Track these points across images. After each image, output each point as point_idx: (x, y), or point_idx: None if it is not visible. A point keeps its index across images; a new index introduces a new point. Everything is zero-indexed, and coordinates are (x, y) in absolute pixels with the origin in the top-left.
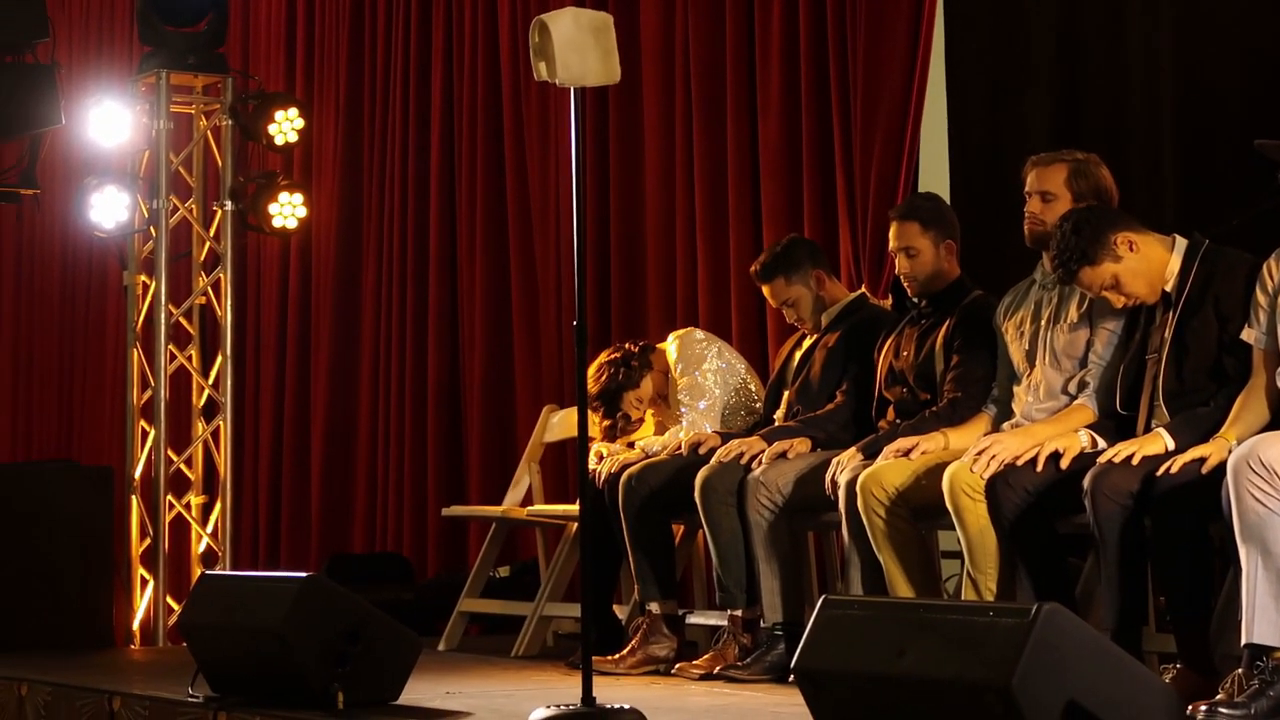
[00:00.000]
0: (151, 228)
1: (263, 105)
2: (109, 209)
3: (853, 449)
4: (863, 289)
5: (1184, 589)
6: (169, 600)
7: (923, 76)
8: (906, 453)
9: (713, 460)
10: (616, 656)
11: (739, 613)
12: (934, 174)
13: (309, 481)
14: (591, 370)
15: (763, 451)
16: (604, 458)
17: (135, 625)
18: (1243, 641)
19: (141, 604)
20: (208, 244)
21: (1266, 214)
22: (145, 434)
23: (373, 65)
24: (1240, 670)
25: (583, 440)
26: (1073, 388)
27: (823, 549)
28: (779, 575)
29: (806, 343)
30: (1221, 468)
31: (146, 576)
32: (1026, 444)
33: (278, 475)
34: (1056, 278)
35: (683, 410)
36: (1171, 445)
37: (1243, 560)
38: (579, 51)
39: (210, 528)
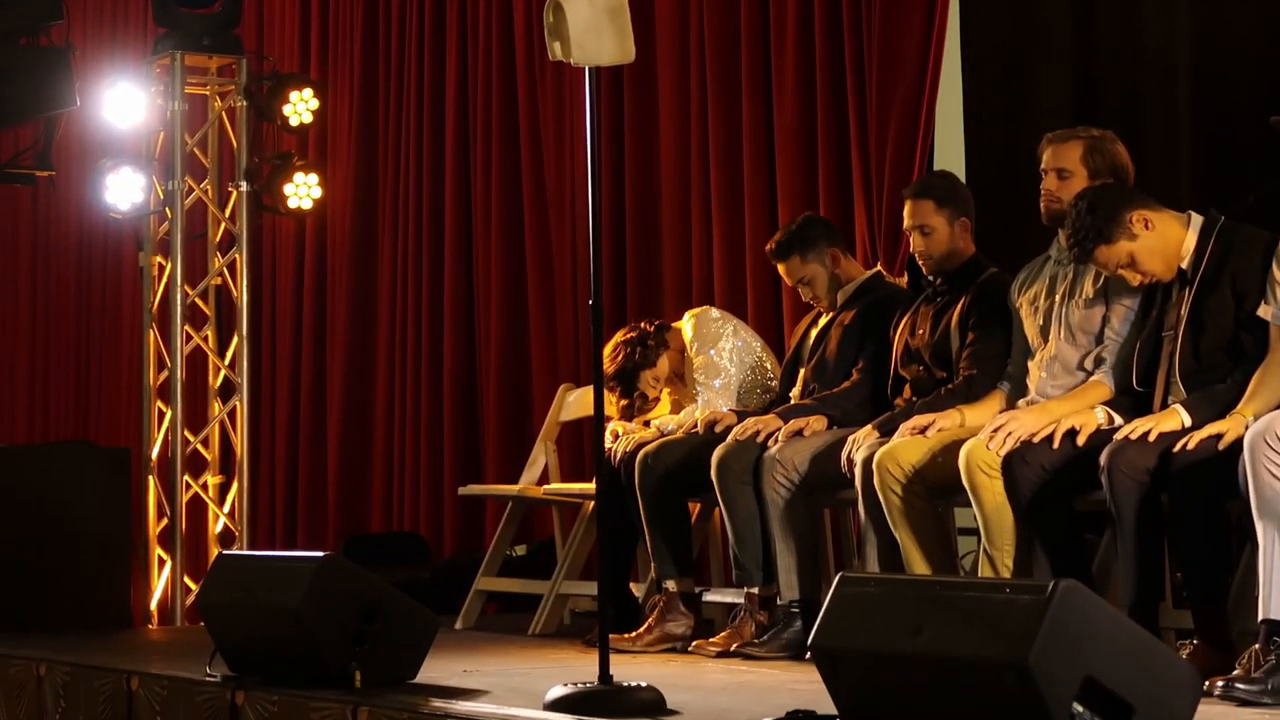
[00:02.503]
0: (167, 209)
1: (277, 86)
2: (124, 190)
3: (869, 427)
4: (878, 267)
5: (1201, 565)
6: (186, 580)
7: (938, 54)
8: (923, 430)
9: (729, 438)
10: (633, 634)
11: (755, 590)
12: (949, 152)
13: (326, 461)
14: (607, 349)
15: (779, 429)
16: (620, 436)
17: (153, 605)
18: (1259, 617)
19: (159, 584)
20: (223, 225)
21: None
22: (162, 415)
23: (387, 45)
24: (1257, 646)
25: (599, 419)
26: (1089, 364)
27: (839, 527)
28: (795, 553)
29: (822, 321)
30: (1238, 444)
31: (164, 557)
32: (1043, 421)
33: (294, 455)
34: (1072, 256)
35: (698, 389)
36: (1188, 422)
37: (1259, 536)
38: (594, 31)
39: (227, 508)
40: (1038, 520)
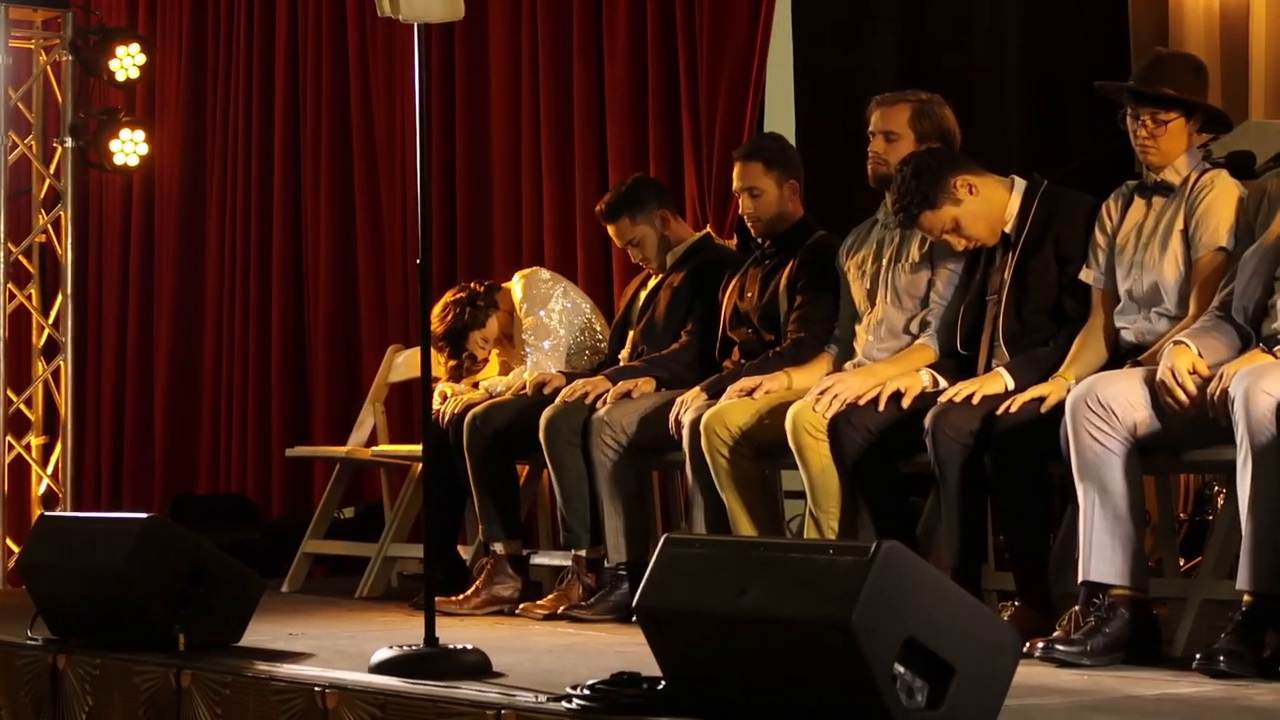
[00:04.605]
0: None
1: (104, 40)
2: None
3: (697, 389)
4: (708, 229)
5: (1023, 527)
6: (8, 542)
7: (769, 16)
8: (750, 392)
9: (557, 400)
10: (461, 597)
11: (583, 553)
12: (779, 114)
13: (152, 422)
14: (436, 310)
15: (607, 391)
16: (448, 398)
17: None
18: (1079, 579)
19: None
20: (48, 181)
21: (1106, 155)
22: None
23: (216, 1)
24: (1077, 607)
25: (426, 380)
26: (914, 327)
27: (667, 489)
28: (623, 515)
29: (652, 282)
30: (1060, 407)
31: None
32: (868, 383)
33: (120, 416)
34: (897, 221)
35: (527, 350)
36: (1011, 385)
37: (1080, 499)
38: None
39: (50, 469)
40: (863, 482)
